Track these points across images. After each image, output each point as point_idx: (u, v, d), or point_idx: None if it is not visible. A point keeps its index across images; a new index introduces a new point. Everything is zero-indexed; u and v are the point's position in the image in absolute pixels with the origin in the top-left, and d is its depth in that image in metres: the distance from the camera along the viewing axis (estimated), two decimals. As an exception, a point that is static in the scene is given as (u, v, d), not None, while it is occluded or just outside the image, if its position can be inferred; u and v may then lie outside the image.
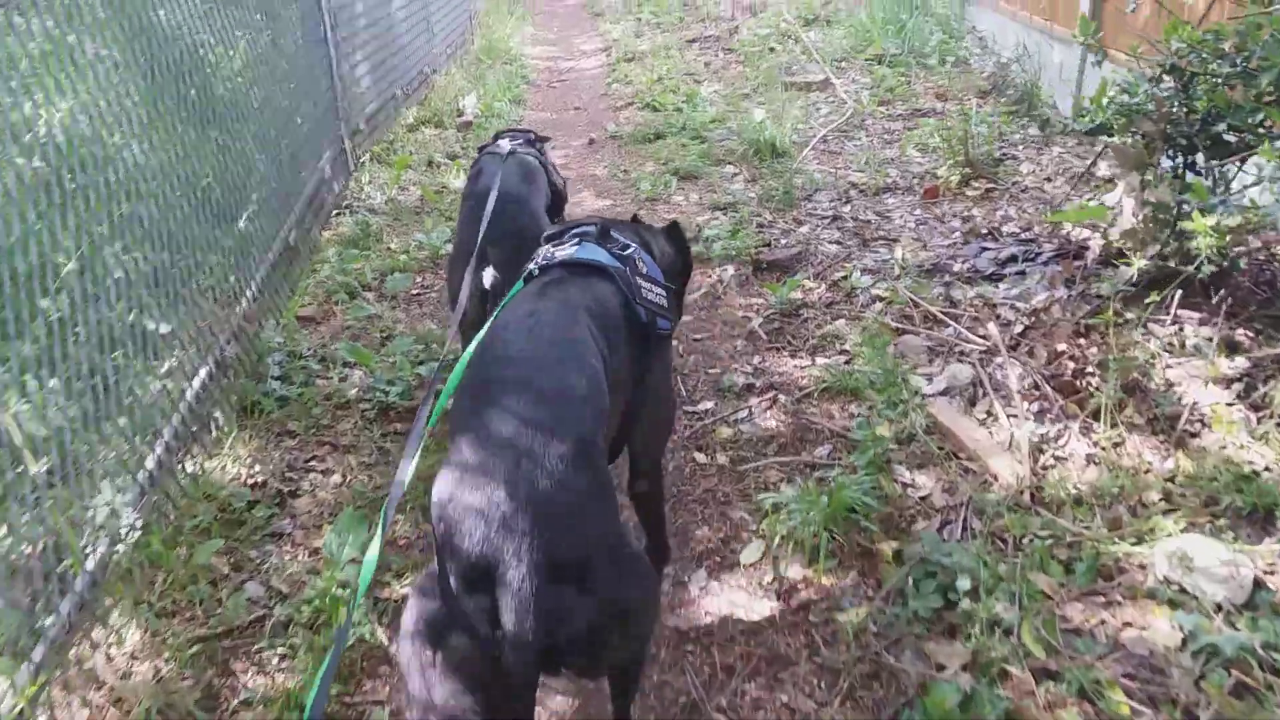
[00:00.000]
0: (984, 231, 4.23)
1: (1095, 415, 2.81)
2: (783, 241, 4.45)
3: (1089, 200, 4.36)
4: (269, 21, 4.17)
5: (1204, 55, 3.05)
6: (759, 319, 3.78)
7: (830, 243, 4.46)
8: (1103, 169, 4.52)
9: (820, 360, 3.43)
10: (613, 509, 1.59)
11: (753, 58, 8.14)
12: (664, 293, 2.12)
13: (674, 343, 3.25)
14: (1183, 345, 3.05)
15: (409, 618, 1.48)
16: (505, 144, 3.36)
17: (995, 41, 7.59)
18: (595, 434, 1.61)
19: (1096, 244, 3.56)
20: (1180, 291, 3.15)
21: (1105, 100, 3.32)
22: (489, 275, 2.65)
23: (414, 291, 4.26)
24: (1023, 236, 4.11)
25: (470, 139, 6.60)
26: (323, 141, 4.91)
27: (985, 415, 2.96)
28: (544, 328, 1.80)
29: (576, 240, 2.14)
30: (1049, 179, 5.31)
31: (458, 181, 5.47)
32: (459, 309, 2.44)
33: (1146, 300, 3.07)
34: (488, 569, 1.38)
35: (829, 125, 6.47)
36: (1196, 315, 3.16)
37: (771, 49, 8.28)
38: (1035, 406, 2.93)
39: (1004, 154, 5.52)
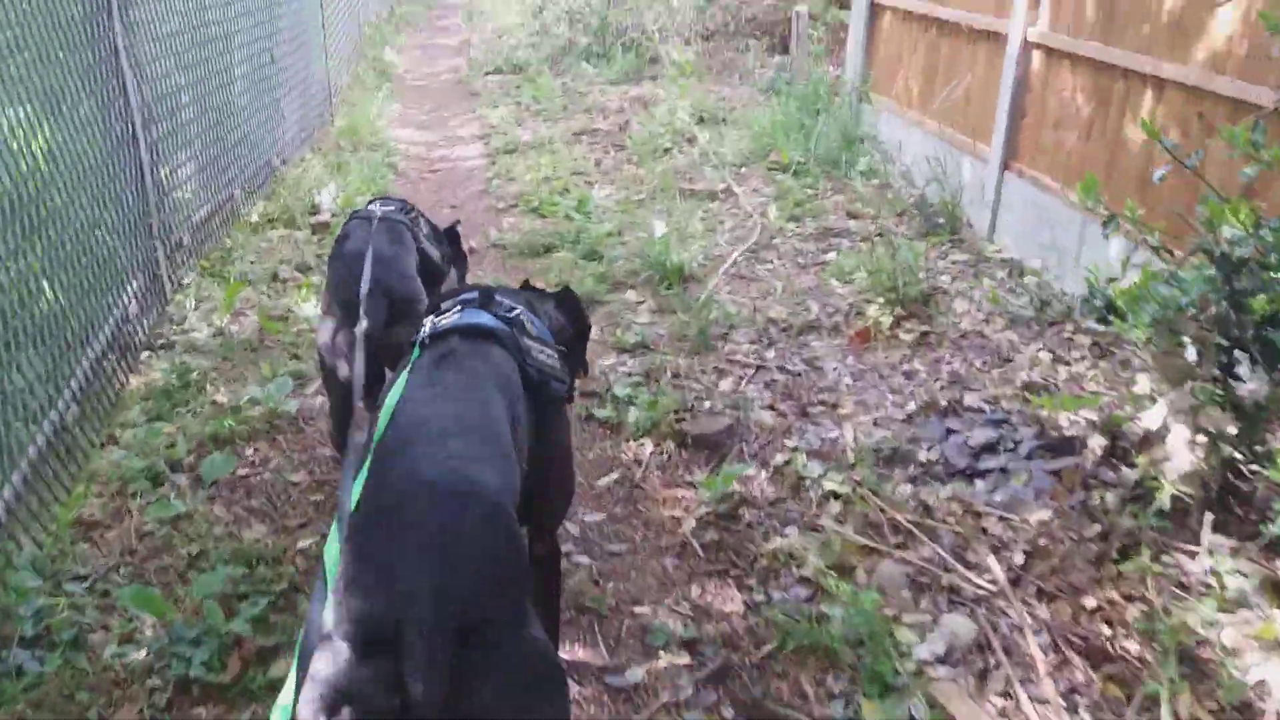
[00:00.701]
0: (943, 404, 3.66)
1: (1148, 704, 2.20)
2: (706, 405, 3.76)
3: (1060, 374, 3.88)
4: (56, 120, 3.25)
5: (1264, 241, 2.56)
6: (691, 522, 3.05)
7: (763, 407, 3.81)
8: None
9: (775, 593, 2.72)
10: (526, 582, 1.53)
11: (646, 158, 7.60)
12: (555, 355, 2.12)
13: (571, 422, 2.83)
14: (1223, 587, 2.51)
15: (306, 692, 1.32)
16: (376, 208, 3.32)
17: (901, 151, 7.31)
18: (509, 502, 1.60)
19: (1096, 443, 3.02)
20: (1211, 515, 2.62)
21: (1117, 285, 2.80)
22: (362, 326, 2.58)
23: (241, 472, 3.33)
24: (991, 415, 3.57)
25: (326, 243, 5.71)
26: (129, 266, 3.95)
27: (1003, 698, 2.31)
28: (448, 397, 1.78)
29: (459, 307, 2.09)
30: (987, 320, 4.88)
31: (308, 307, 4.57)
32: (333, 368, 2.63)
33: (1159, 513, 2.53)
34: (391, 635, 1.31)
35: (736, 243, 5.92)
36: (1227, 543, 2.63)
37: (666, 149, 7.77)
38: (1063, 683, 2.30)
39: (932, 286, 5.07)
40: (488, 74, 12.33)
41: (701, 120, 8.65)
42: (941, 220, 5.97)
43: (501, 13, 16.01)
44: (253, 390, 3.68)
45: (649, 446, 3.42)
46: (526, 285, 2.48)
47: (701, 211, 6.49)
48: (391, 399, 1.73)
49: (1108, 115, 5.16)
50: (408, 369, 1.87)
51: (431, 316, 2.09)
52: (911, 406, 3.61)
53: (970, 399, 3.65)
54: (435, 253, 3.47)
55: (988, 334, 4.68)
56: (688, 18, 11.00)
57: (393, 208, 3.38)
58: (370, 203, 3.49)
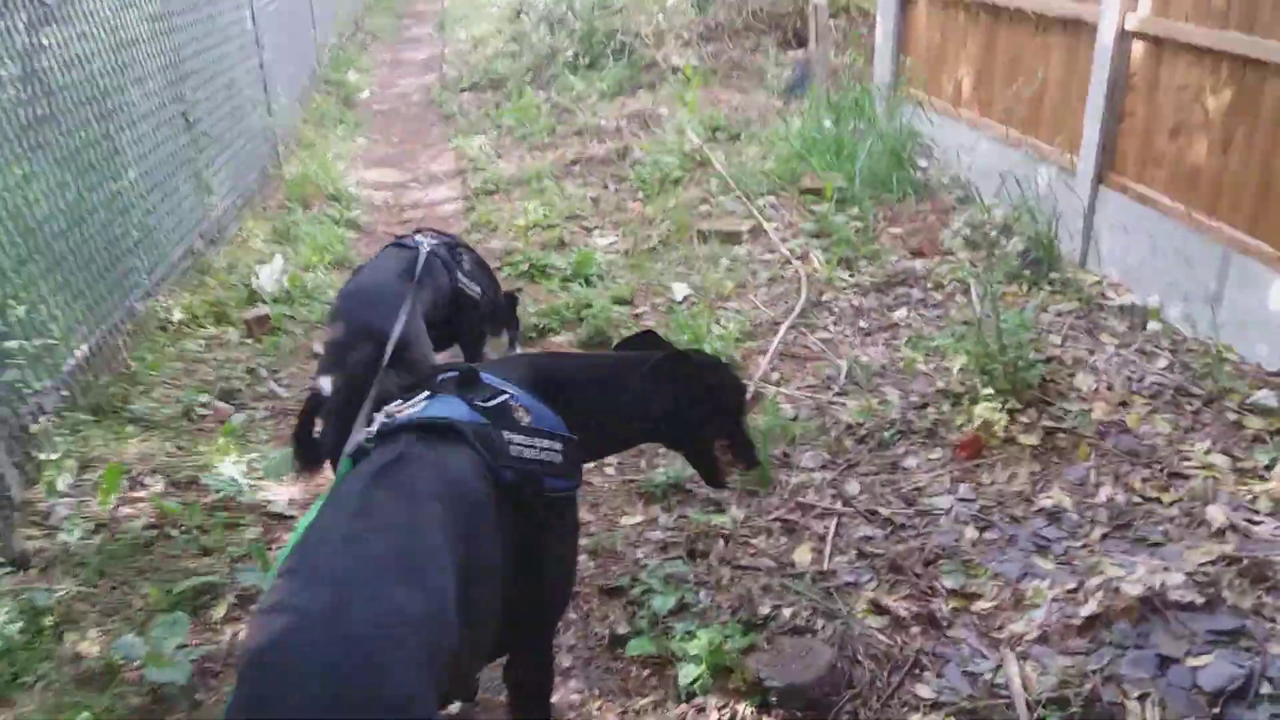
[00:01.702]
0: (1134, 594, 2.51)
1: None
2: (788, 611, 2.64)
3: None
4: None
5: None
6: None
7: (865, 608, 2.69)
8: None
9: None
10: None
11: (654, 191, 6.49)
12: (558, 446, 1.79)
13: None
14: None
15: None
16: (422, 239, 3.36)
17: (958, 161, 6.18)
18: (422, 697, 1.30)
19: None
20: None
21: None
22: (325, 384, 2.55)
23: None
24: (1215, 617, 2.43)
25: (270, 349, 4.64)
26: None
27: None
28: (373, 532, 1.45)
29: (428, 393, 1.81)
30: (1124, 402, 3.76)
31: (228, 465, 3.49)
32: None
33: None
34: None
35: (776, 302, 4.82)
36: None
37: (676, 179, 6.64)
38: None
39: (1043, 353, 3.96)
40: (463, 90, 11.25)
41: (714, 136, 7.53)
42: (1033, 255, 4.84)
43: (475, 19, 14.90)
44: (130, 640, 2.58)
45: (713, 716, 2.30)
46: (635, 340, 2.24)
47: (728, 260, 5.39)
48: (301, 528, 1.51)
49: (1255, 125, 4.03)
50: (337, 484, 1.65)
51: (389, 405, 1.81)
52: (1091, 606, 2.48)
53: (1169, 580, 2.52)
54: (475, 289, 3.48)
55: (1132, 425, 3.58)
56: (685, 17, 9.85)
57: (435, 240, 3.42)
58: (418, 231, 3.52)
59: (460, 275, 3.43)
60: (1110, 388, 3.85)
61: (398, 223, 6.87)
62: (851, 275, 4.99)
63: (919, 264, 5.09)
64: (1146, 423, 3.61)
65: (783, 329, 4.44)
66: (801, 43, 9.60)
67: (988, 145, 5.96)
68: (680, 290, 5.01)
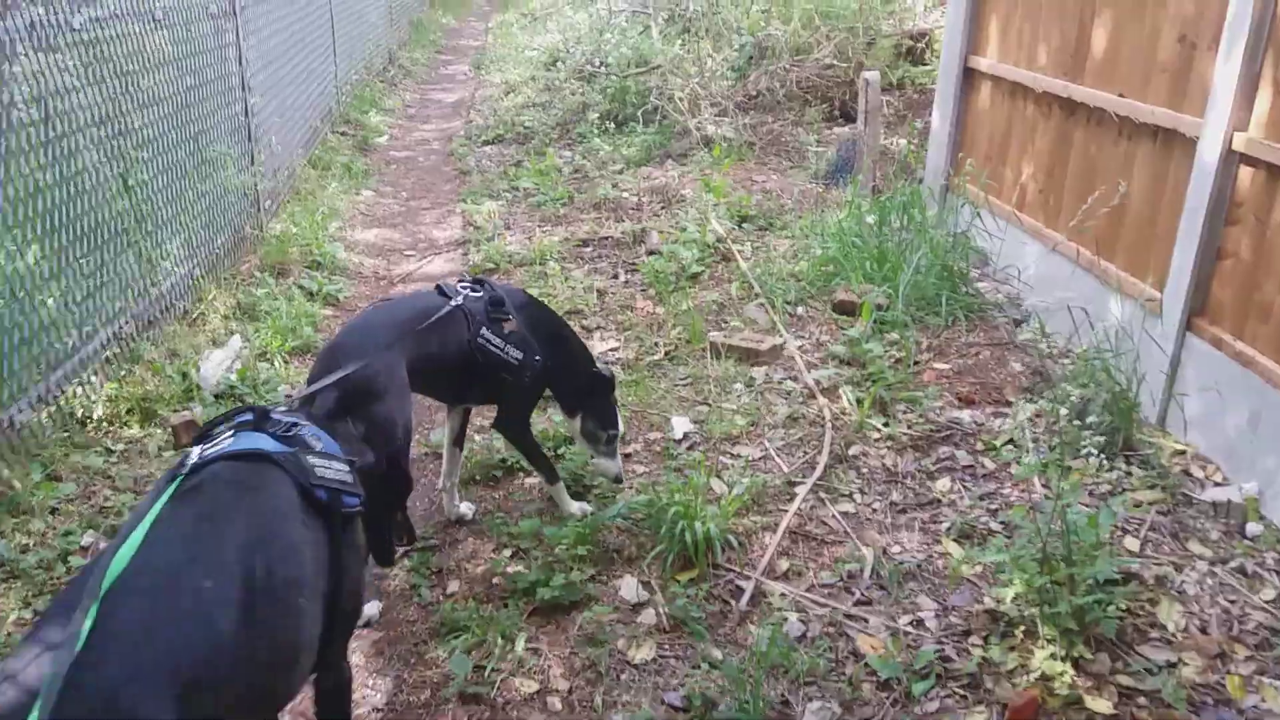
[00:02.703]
0: None
1: None
2: None
3: None
4: None
5: None
6: None
7: None
8: None
9: None
10: None
11: (667, 289, 5.79)
12: (346, 467, 2.06)
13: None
14: None
15: None
16: (460, 289, 3.32)
17: (1020, 280, 5.44)
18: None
19: None
20: None
21: None
22: None
23: None
24: None
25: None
26: None
27: None
28: (181, 552, 1.65)
29: (232, 431, 2.00)
30: (1223, 654, 2.98)
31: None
32: None
33: None
34: None
35: (791, 451, 4.10)
36: None
37: (694, 275, 5.94)
38: None
39: (1120, 569, 3.18)
40: (485, 143, 10.68)
41: (742, 224, 6.83)
42: (1105, 421, 4.06)
43: (512, 62, 14.44)
44: None
45: None
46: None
47: (742, 385, 4.66)
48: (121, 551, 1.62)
49: None
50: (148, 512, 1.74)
51: (198, 445, 1.96)
52: None
53: None
54: (511, 354, 3.29)
55: (1234, 694, 2.79)
56: (724, 82, 9.21)
57: (480, 292, 3.35)
58: (476, 281, 3.43)
59: (486, 334, 3.25)
60: (1205, 629, 3.06)
61: (381, 298, 6.21)
62: (887, 424, 4.23)
63: (967, 415, 4.33)
64: (1253, 689, 2.82)
65: (798, 499, 3.69)
66: (849, 119, 8.94)
67: (1054, 264, 5.21)
68: (680, 426, 4.29)
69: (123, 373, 4.46)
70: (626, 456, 4.10)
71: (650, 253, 6.39)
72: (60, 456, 3.89)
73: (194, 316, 5.31)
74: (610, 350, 5.18)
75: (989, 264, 5.87)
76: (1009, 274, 5.59)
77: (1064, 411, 4.09)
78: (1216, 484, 3.85)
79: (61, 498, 3.65)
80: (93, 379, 4.25)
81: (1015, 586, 2.96)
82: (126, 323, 4.50)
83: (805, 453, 4.12)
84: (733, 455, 4.09)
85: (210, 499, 1.80)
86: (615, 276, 6.21)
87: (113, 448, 4.09)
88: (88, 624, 1.43)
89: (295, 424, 2.07)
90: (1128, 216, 4.79)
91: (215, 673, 1.55)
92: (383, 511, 2.35)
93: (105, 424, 4.25)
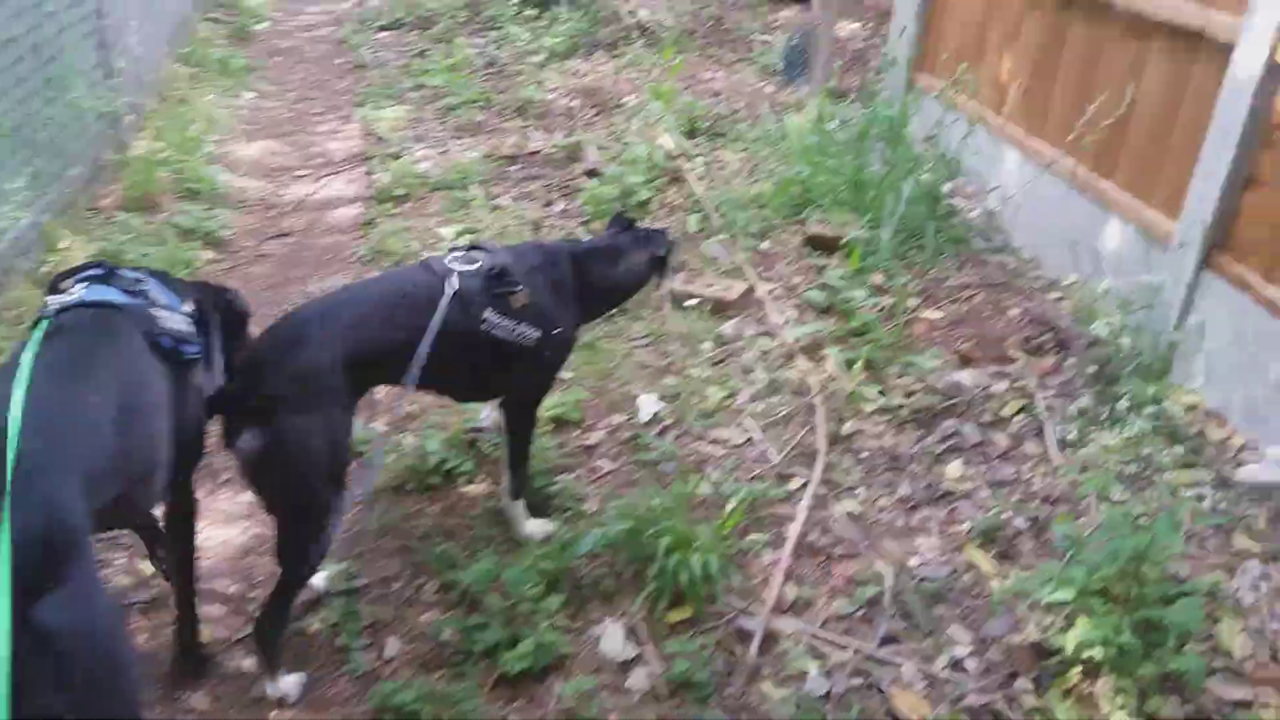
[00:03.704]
0: None
1: None
2: None
3: None
4: None
5: None
6: None
7: None
8: None
9: None
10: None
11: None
12: (187, 319, 2.28)
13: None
14: None
15: None
16: (453, 266, 2.74)
17: (993, 182, 4.96)
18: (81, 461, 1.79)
19: None
20: None
21: None
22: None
23: None
24: None
25: None
26: None
27: None
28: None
29: (85, 284, 2.17)
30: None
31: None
32: None
33: None
34: None
35: (778, 431, 3.59)
36: None
37: (642, 202, 5.26)
38: None
39: (1172, 580, 2.81)
40: (381, 30, 9.59)
41: (692, 133, 6.13)
42: (1129, 386, 3.64)
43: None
44: None
45: None
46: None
47: (710, 344, 4.11)
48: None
49: None
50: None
51: (53, 295, 2.15)
52: None
53: None
54: (526, 333, 2.76)
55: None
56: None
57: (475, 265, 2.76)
58: (471, 248, 2.86)
59: (491, 316, 2.70)
60: (1275, 655, 2.71)
61: (272, 234, 5.40)
62: (882, 394, 3.74)
63: (967, 376, 3.86)
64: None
65: (800, 511, 3.18)
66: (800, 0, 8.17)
67: (1037, 178, 4.71)
68: (648, 406, 3.72)
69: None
70: (589, 449, 3.54)
71: (589, 173, 5.67)
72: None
73: (46, 272, 4.44)
74: (553, 301, 4.53)
75: (963, 178, 5.34)
76: (980, 187, 5.08)
77: (1090, 370, 3.66)
78: (1243, 453, 3.49)
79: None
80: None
81: (1079, 629, 2.53)
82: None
83: (790, 429, 3.61)
84: (712, 442, 3.56)
85: (77, 338, 2.01)
86: (549, 204, 5.49)
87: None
88: (11, 453, 1.69)
89: (140, 279, 2.26)
90: (1134, 130, 4.30)
91: (104, 471, 1.84)
92: None
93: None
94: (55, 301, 2.11)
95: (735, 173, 5.62)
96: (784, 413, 3.71)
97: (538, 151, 6.07)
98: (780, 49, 7.22)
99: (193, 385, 2.28)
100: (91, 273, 2.21)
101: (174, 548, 2.48)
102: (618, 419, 3.70)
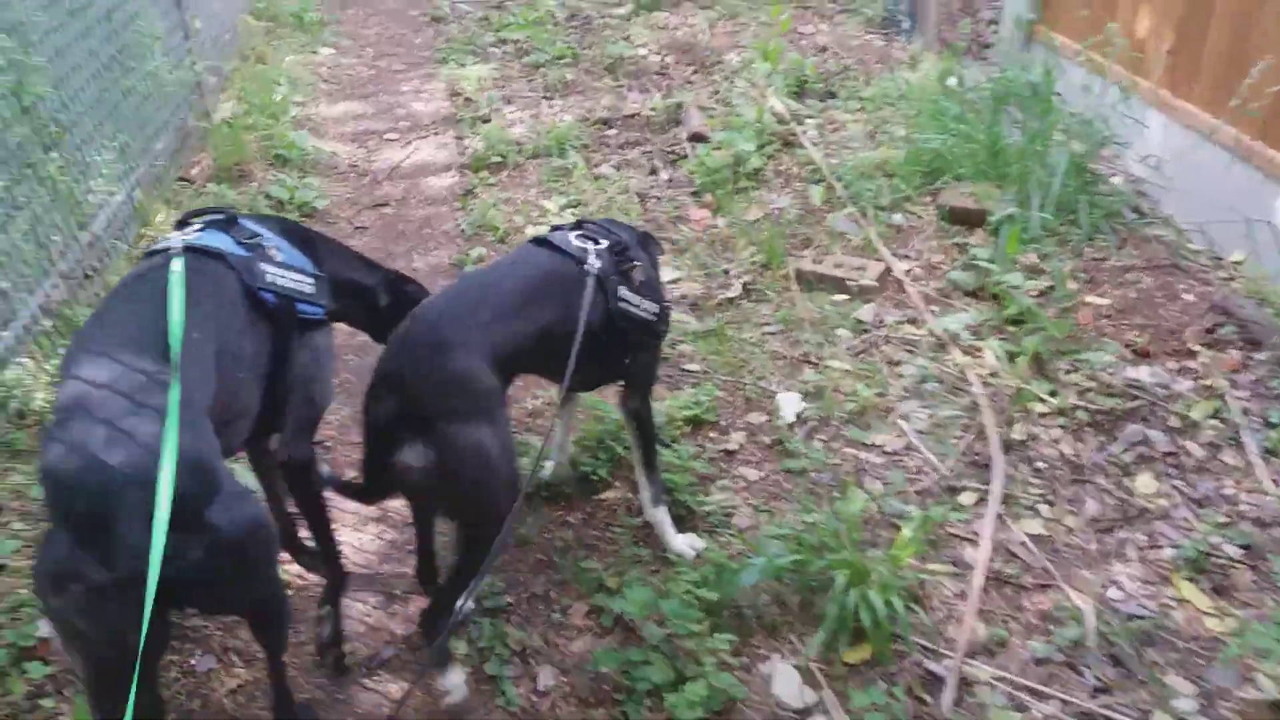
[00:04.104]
0: None
1: None
2: None
3: None
4: None
5: None
6: None
7: None
8: None
9: None
10: (211, 458, 1.78)
11: (725, 190, 4.76)
12: (309, 280, 2.25)
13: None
14: None
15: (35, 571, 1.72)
16: (587, 246, 2.56)
17: (1148, 165, 4.51)
18: (202, 398, 1.85)
19: None
20: None
21: None
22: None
23: None
24: None
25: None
26: None
27: None
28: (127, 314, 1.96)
29: (203, 225, 2.23)
30: None
31: None
32: None
33: None
34: (101, 522, 1.62)
35: (938, 433, 3.26)
36: None
37: (754, 171, 4.89)
38: None
39: None
40: (458, -20, 9.19)
41: (799, 93, 5.72)
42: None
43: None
44: None
45: None
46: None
47: (848, 332, 3.79)
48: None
49: None
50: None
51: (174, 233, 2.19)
52: None
53: None
54: (647, 307, 2.61)
55: None
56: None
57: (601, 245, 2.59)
58: (577, 226, 2.68)
59: (625, 294, 2.56)
60: None
61: (369, 205, 5.14)
62: (1054, 393, 3.38)
63: (1146, 373, 3.48)
64: None
65: (986, 531, 2.86)
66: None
67: (1190, 145, 4.26)
68: (790, 405, 3.41)
69: (61, 347, 3.44)
70: (729, 454, 3.24)
71: (693, 138, 5.30)
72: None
73: (141, 250, 4.23)
74: (670, 283, 4.21)
75: (1106, 144, 4.88)
76: (1126, 155, 4.64)
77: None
78: None
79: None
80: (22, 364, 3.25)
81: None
82: (54, 287, 3.44)
83: (958, 437, 3.27)
84: (867, 447, 3.24)
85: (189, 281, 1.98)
86: (654, 173, 5.14)
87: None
88: (175, 393, 1.75)
89: (258, 234, 2.25)
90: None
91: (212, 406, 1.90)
92: None
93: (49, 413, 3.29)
94: (178, 239, 2.14)
95: (852, 137, 5.22)
96: (944, 414, 3.37)
97: (636, 114, 5.70)
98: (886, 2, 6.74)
99: (311, 344, 2.26)
100: (213, 217, 2.26)
101: (302, 502, 2.43)
102: (757, 419, 3.39)
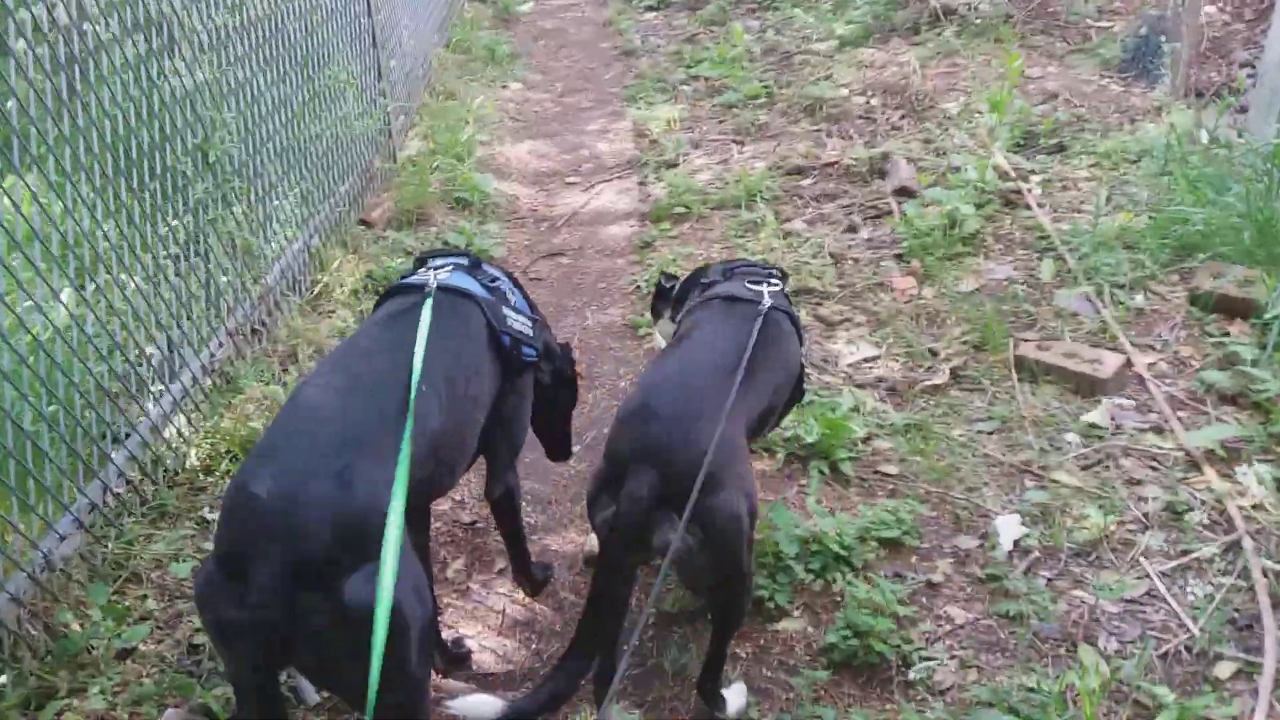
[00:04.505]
0: None
1: None
2: None
3: None
4: None
5: None
6: None
7: None
8: None
9: None
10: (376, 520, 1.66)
11: (936, 253, 4.30)
12: (530, 324, 2.42)
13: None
14: None
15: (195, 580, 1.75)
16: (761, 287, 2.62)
17: None
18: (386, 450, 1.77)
19: None
20: None
21: None
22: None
23: None
24: None
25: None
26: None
27: None
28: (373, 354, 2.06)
29: (451, 267, 2.36)
30: None
31: None
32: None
33: None
34: (242, 560, 1.59)
35: (1184, 577, 2.76)
36: None
37: (970, 236, 4.40)
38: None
39: None
40: (647, 9, 9.11)
41: (1022, 146, 5.17)
42: None
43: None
44: None
45: None
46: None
47: (1077, 438, 3.30)
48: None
49: None
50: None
51: (426, 270, 2.36)
52: None
53: None
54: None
55: None
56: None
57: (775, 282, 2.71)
58: (736, 269, 2.77)
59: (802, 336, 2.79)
60: None
61: (545, 254, 4.98)
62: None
63: None
64: None
65: (1257, 730, 2.31)
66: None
67: None
68: (1008, 530, 2.93)
69: (221, 407, 3.38)
70: (932, 587, 2.80)
71: (899, 193, 4.86)
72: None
73: (313, 295, 4.19)
74: (866, 362, 3.80)
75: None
76: None
77: None
78: None
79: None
80: (181, 428, 3.20)
81: None
82: (220, 345, 3.39)
83: (1211, 585, 2.72)
84: (1100, 590, 2.73)
85: (439, 321, 2.11)
86: (852, 230, 4.72)
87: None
88: (408, 438, 1.78)
89: (498, 278, 2.45)
90: None
91: (432, 449, 1.95)
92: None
93: (201, 475, 3.23)
94: (434, 280, 2.24)
95: (1084, 197, 4.64)
96: (1197, 554, 2.82)
97: (835, 163, 5.30)
98: (1124, 39, 6.06)
99: (523, 388, 2.45)
100: (457, 260, 2.40)
101: (505, 528, 2.68)
102: (967, 543, 2.94)
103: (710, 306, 2.57)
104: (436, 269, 2.32)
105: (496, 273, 2.47)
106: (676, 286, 2.98)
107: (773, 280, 2.66)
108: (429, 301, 2.13)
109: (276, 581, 1.55)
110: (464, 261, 2.41)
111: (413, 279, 2.30)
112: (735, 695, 2.39)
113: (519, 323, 2.37)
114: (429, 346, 1.99)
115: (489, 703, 2.10)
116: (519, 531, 2.69)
